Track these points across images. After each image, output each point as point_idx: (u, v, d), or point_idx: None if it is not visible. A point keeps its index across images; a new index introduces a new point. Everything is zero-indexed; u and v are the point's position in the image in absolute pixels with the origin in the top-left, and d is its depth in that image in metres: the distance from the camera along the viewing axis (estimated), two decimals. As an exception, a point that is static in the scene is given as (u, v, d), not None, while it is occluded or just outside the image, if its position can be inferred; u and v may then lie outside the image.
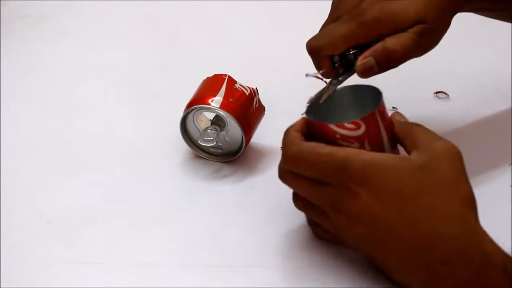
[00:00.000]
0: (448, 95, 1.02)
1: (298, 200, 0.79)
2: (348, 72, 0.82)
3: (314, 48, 0.82)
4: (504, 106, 1.00)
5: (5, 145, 0.94)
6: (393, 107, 0.90)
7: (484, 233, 0.71)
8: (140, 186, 0.90)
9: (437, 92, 1.02)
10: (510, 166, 0.90)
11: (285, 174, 0.77)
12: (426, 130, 0.75)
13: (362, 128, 0.75)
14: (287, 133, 0.77)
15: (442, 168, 0.72)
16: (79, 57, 1.11)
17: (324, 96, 0.79)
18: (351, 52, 0.81)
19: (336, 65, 0.82)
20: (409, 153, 0.74)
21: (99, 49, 1.14)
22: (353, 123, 0.75)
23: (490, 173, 0.89)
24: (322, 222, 0.78)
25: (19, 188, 0.89)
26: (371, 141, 0.75)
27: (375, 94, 0.77)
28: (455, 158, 0.73)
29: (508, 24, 0.94)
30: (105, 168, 0.92)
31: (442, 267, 0.70)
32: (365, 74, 0.81)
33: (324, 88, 0.81)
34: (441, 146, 0.73)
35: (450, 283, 0.70)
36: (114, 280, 0.79)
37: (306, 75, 0.81)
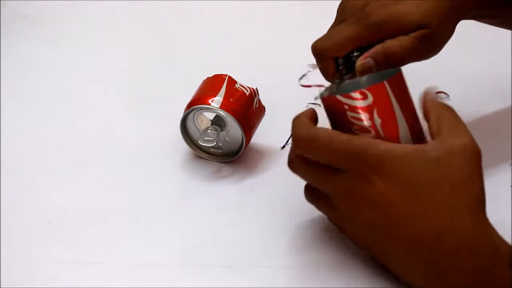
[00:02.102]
0: (448, 95, 1.02)
1: (308, 193, 0.79)
2: (351, 73, 0.82)
3: (319, 50, 0.83)
4: (504, 106, 1.00)
5: (5, 145, 0.94)
6: None
7: (492, 228, 0.72)
8: (140, 186, 0.90)
9: (437, 92, 1.02)
10: (510, 166, 0.90)
11: (294, 161, 0.78)
12: (453, 118, 0.75)
13: (370, 98, 0.75)
14: (297, 117, 0.77)
15: (456, 167, 0.72)
16: (79, 57, 1.11)
17: (326, 93, 0.79)
18: (354, 54, 0.82)
19: (340, 67, 0.83)
20: (432, 137, 0.74)
21: (99, 49, 1.14)
22: (360, 92, 0.75)
23: (490, 173, 0.89)
24: (328, 214, 0.78)
25: (19, 188, 0.89)
26: (381, 114, 0.75)
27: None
28: (472, 158, 0.72)
29: (508, 24, 0.94)
30: (105, 168, 0.92)
31: (450, 260, 0.71)
32: (364, 74, 0.81)
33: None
34: (460, 143, 0.72)
35: (456, 275, 0.71)
36: (114, 280, 0.79)
37: (303, 76, 0.81)
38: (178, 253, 0.82)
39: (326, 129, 0.76)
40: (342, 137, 0.74)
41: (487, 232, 0.71)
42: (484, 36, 1.09)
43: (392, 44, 0.81)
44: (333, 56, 0.83)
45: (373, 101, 0.75)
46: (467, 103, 1.01)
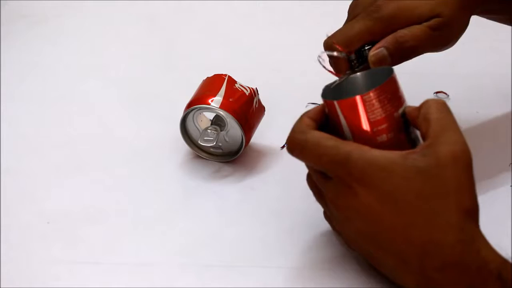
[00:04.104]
0: (448, 95, 1.02)
1: (309, 181, 0.79)
2: (363, 65, 0.82)
3: (331, 46, 0.82)
4: (504, 106, 1.00)
5: (5, 145, 0.94)
6: None
7: (482, 240, 0.70)
8: (140, 186, 0.90)
9: (437, 92, 1.02)
10: (510, 166, 0.90)
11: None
12: (442, 117, 0.73)
13: (326, 109, 0.76)
14: (299, 118, 0.77)
15: (444, 178, 0.70)
16: (79, 57, 1.11)
17: (336, 83, 0.79)
18: (366, 48, 0.82)
19: (353, 62, 0.82)
20: (423, 137, 0.73)
21: (99, 49, 1.14)
22: (324, 100, 0.76)
23: (490, 174, 0.89)
24: (324, 208, 0.78)
25: (19, 188, 0.89)
26: (331, 123, 0.76)
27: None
28: (462, 166, 0.71)
29: (508, 25, 0.94)
30: (105, 168, 0.92)
31: (437, 274, 0.70)
32: (377, 65, 0.81)
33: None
34: (449, 150, 0.70)
35: None
36: (114, 280, 0.79)
37: (320, 60, 0.81)
38: (178, 253, 0.82)
39: (317, 133, 0.74)
40: (330, 142, 0.73)
41: (474, 247, 0.70)
42: (484, 37, 1.09)
43: (403, 33, 0.80)
44: (345, 51, 0.82)
45: (328, 111, 0.76)
46: (467, 104, 1.01)
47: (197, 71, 0.96)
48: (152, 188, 0.90)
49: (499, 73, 1.05)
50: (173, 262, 0.81)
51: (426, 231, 0.70)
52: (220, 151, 0.93)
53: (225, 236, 0.84)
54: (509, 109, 0.99)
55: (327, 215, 0.80)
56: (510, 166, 0.90)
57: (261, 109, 0.93)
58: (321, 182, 0.76)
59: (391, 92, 0.75)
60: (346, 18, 0.85)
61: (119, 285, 0.78)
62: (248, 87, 0.92)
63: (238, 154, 0.91)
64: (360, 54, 0.82)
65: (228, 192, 0.89)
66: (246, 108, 0.90)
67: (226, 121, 0.91)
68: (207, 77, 0.93)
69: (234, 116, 0.89)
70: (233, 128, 0.91)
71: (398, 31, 0.81)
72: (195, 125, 0.92)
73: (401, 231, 0.71)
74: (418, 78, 1.02)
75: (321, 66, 0.81)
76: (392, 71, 0.76)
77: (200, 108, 0.90)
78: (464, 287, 0.69)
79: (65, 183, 0.90)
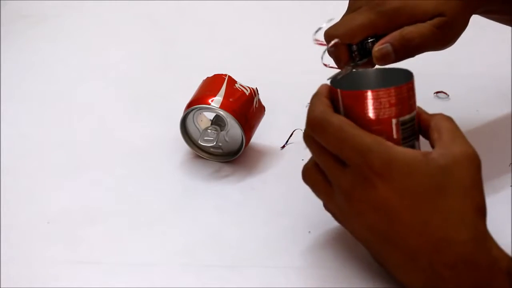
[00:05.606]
0: (448, 95, 1.02)
1: (309, 174, 0.77)
2: (366, 58, 0.82)
3: (332, 37, 0.81)
4: (504, 106, 1.00)
5: (5, 145, 0.94)
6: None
7: (491, 239, 0.71)
8: (140, 186, 0.90)
9: (437, 92, 1.02)
10: (510, 166, 0.90)
11: (309, 138, 0.76)
12: (452, 127, 0.74)
13: (331, 95, 0.76)
14: (317, 95, 0.76)
15: (461, 174, 0.71)
16: (79, 57, 1.11)
17: (341, 75, 0.78)
18: (369, 41, 0.81)
19: (354, 54, 0.82)
20: (433, 144, 0.73)
21: (99, 49, 1.14)
22: (331, 87, 0.75)
23: (490, 173, 0.89)
24: (325, 201, 0.77)
25: (19, 188, 0.89)
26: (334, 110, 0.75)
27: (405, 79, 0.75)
28: (474, 166, 0.72)
29: (508, 25, 0.94)
30: (105, 168, 0.92)
31: (448, 271, 0.70)
32: (381, 60, 0.80)
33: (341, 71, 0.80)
34: (463, 150, 0.72)
35: (453, 286, 0.70)
36: (114, 280, 0.79)
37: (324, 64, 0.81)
38: (178, 253, 0.82)
39: (340, 117, 0.74)
40: (355, 130, 0.73)
41: (486, 244, 0.70)
42: (484, 37, 1.09)
43: (410, 30, 0.80)
44: (346, 43, 0.82)
45: (332, 99, 0.75)
46: (467, 103, 1.01)
47: (197, 71, 0.96)
48: (152, 188, 0.90)
49: (499, 73, 1.05)
50: (173, 262, 0.81)
51: (441, 228, 0.70)
52: (220, 151, 0.93)
53: (225, 236, 0.84)
54: (509, 109, 0.99)
55: (329, 207, 0.79)
56: (510, 166, 0.90)
57: (261, 109, 0.93)
58: (335, 170, 0.74)
59: (397, 97, 0.75)
60: (347, 9, 0.85)
61: (119, 285, 0.78)
62: (248, 87, 0.92)
63: (238, 154, 0.91)
64: (362, 46, 0.82)
65: (228, 192, 0.89)
66: (246, 108, 0.90)
67: (226, 121, 0.91)
68: (207, 77, 0.93)
69: (234, 116, 0.89)
70: (233, 128, 0.91)
71: (404, 28, 0.80)
72: (195, 125, 0.92)
73: (415, 227, 0.71)
74: (418, 78, 1.02)
75: (322, 57, 0.81)
76: (411, 77, 0.76)
77: (200, 108, 0.91)
78: (473, 284, 0.70)
79: (65, 183, 0.90)
